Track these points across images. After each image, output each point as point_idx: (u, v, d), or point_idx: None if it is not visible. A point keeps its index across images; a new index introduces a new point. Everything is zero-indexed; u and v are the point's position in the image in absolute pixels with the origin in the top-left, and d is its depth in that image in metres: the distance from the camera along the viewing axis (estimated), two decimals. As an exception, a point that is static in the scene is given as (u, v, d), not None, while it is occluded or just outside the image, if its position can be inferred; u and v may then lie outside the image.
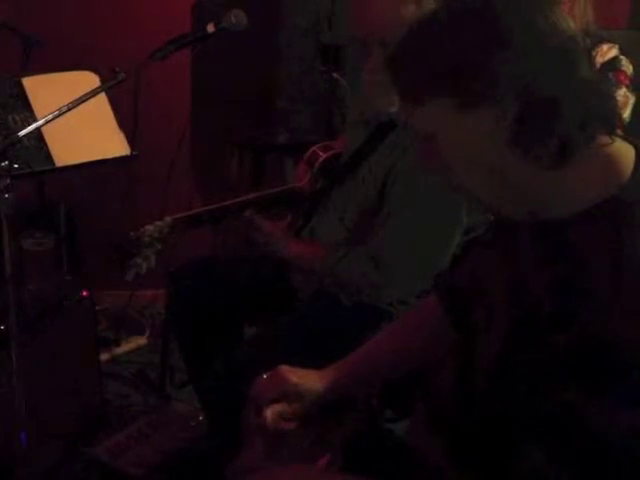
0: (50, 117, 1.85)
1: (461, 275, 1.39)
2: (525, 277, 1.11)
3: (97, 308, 2.71)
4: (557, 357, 0.98)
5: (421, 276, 1.87)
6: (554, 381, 0.98)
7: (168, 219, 2.06)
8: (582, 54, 1.03)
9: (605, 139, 1.05)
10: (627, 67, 2.52)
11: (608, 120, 1.05)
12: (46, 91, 2.48)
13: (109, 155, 2.59)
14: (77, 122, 2.19)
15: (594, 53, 2.47)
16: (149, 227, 2.02)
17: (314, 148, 2.31)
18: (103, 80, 2.40)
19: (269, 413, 1.42)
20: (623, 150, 1.07)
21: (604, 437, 0.95)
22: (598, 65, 2.44)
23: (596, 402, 0.95)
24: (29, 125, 1.84)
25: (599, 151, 1.05)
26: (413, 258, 1.90)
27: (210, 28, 2.05)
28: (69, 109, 1.86)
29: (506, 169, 1.06)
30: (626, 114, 2.44)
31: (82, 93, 1.92)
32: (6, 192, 1.78)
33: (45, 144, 2.44)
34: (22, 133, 1.80)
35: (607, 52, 2.52)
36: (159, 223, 2.05)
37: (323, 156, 2.26)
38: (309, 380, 1.45)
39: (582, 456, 0.97)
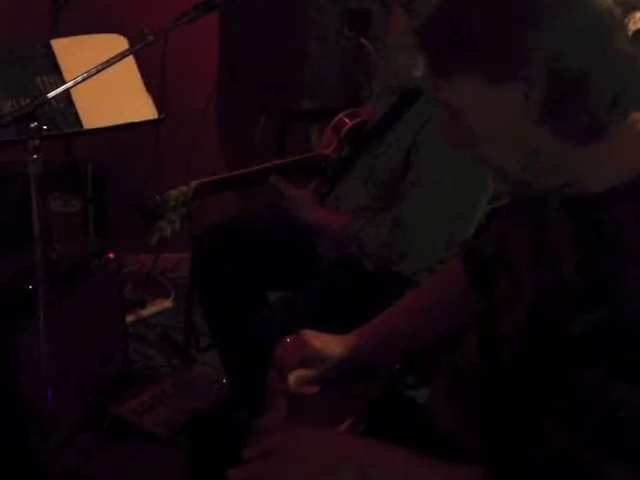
0: (79, 79, 1.86)
1: (486, 244, 1.38)
2: (554, 252, 1.10)
3: (123, 270, 2.73)
4: (583, 337, 0.98)
5: (446, 243, 1.87)
6: (579, 360, 0.98)
7: (194, 183, 2.07)
8: (617, 26, 1.01)
9: (638, 115, 1.04)
10: None
11: None
12: (75, 53, 2.48)
13: (136, 118, 2.59)
14: (105, 85, 2.20)
15: (626, 21, 2.44)
16: (174, 192, 2.04)
17: (341, 115, 2.30)
18: (131, 43, 2.40)
19: (292, 378, 1.43)
20: None
21: (629, 419, 0.94)
22: (630, 33, 2.41)
23: (621, 383, 0.94)
24: (58, 87, 1.85)
25: (633, 127, 1.04)
26: (438, 225, 1.90)
27: (239, -9, 2.04)
28: (97, 71, 1.87)
29: (536, 145, 1.04)
30: None
31: (110, 56, 1.93)
32: (35, 153, 1.79)
33: (74, 106, 2.45)
34: (51, 95, 1.81)
35: (639, 20, 2.48)
36: (184, 188, 2.06)
37: (350, 123, 2.26)
38: (332, 345, 1.46)
39: (605, 437, 0.96)
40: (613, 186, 1.03)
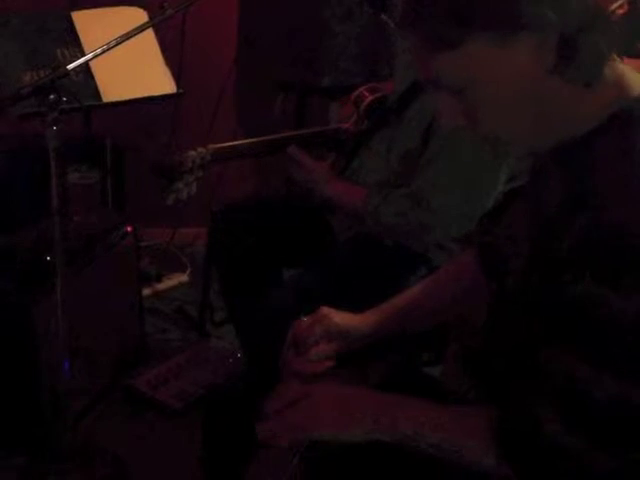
0: (98, 51, 1.86)
1: (499, 229, 1.38)
2: (545, 195, 1.13)
3: (140, 244, 2.74)
4: (570, 254, 1.00)
5: (462, 219, 1.87)
6: (570, 277, 1.00)
7: (211, 147, 2.06)
8: None
9: (614, 57, 1.06)
10: None
11: (618, 40, 1.06)
12: (95, 26, 2.49)
13: (155, 92, 2.60)
14: (125, 58, 2.20)
15: None
16: (192, 152, 2.03)
17: (361, 89, 2.28)
18: (151, 16, 2.40)
19: (313, 352, 1.45)
20: (632, 72, 1.09)
21: (617, 326, 0.96)
22: None
23: (607, 292, 0.96)
24: (77, 59, 1.85)
25: (613, 67, 1.06)
26: (456, 200, 1.89)
27: (259, -34, 2.03)
28: (117, 44, 1.87)
29: (547, 97, 1.05)
30: None
31: (130, 29, 1.92)
32: (54, 125, 1.79)
33: (93, 79, 2.46)
34: (70, 67, 1.81)
35: None
36: (202, 150, 2.05)
37: (370, 97, 2.24)
38: (352, 321, 1.47)
39: (597, 348, 0.98)
40: (596, 125, 1.06)
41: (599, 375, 0.97)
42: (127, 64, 2.41)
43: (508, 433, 1.06)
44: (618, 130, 1.04)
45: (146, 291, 3.06)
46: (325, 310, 1.48)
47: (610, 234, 0.96)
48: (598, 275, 0.97)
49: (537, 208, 1.16)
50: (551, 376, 1.02)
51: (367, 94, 2.25)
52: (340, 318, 1.47)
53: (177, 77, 2.64)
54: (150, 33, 2.53)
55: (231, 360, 2.60)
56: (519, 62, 1.02)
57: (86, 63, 1.90)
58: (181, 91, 2.65)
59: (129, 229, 2.54)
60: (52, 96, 1.77)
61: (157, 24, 2.08)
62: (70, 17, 2.52)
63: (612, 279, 0.96)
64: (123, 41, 1.88)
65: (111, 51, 1.88)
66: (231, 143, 2.15)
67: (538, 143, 1.11)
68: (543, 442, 1.02)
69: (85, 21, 2.52)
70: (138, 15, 2.53)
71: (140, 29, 1.94)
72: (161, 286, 3.23)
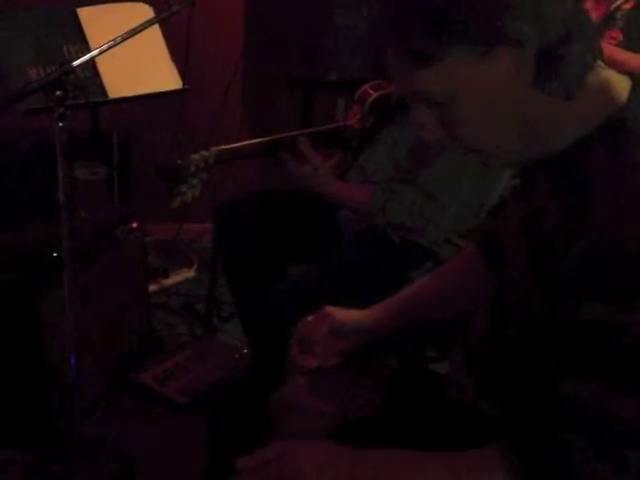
0: (104, 47, 1.86)
1: (498, 220, 1.38)
2: (538, 209, 1.11)
3: (146, 239, 2.75)
4: (574, 274, 0.99)
5: (469, 213, 1.87)
6: (576, 297, 0.98)
7: (214, 149, 2.07)
8: None
9: (599, 63, 1.06)
10: None
11: (599, 46, 1.06)
12: (100, 22, 2.50)
13: (161, 88, 2.61)
14: (131, 54, 2.21)
15: None
16: (195, 156, 2.04)
17: (366, 86, 2.29)
18: (157, 12, 2.40)
19: (320, 351, 1.45)
20: (616, 76, 1.07)
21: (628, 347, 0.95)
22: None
23: (617, 310, 0.95)
24: (83, 55, 1.86)
25: (598, 75, 1.05)
26: (462, 195, 1.90)
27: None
28: (123, 40, 1.87)
29: (531, 108, 1.04)
30: None
31: (136, 25, 1.93)
32: (60, 121, 1.80)
33: (99, 75, 2.47)
34: (76, 63, 1.81)
35: None
36: (205, 152, 2.06)
37: (374, 95, 2.24)
38: (356, 318, 1.47)
39: (610, 372, 0.97)
40: (584, 134, 1.04)
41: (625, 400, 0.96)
42: (133, 60, 2.41)
43: (535, 467, 1.02)
44: (609, 141, 1.02)
45: (153, 286, 3.06)
46: (328, 309, 1.48)
47: (614, 253, 0.95)
48: (607, 297, 0.95)
49: (531, 216, 1.14)
50: (579, 406, 0.99)
51: (372, 91, 2.25)
52: (343, 315, 1.47)
53: (183, 73, 2.65)
54: (156, 29, 2.53)
55: (237, 355, 2.60)
56: (499, 76, 1.01)
57: (92, 59, 1.91)
58: (187, 87, 2.65)
59: (135, 225, 2.55)
60: (59, 92, 1.78)
61: (163, 20, 2.09)
62: (76, 13, 2.53)
63: (622, 300, 0.95)
64: (129, 37, 1.89)
65: (117, 47, 1.88)
66: (234, 145, 2.15)
67: (524, 155, 1.10)
68: (574, 471, 0.99)
69: (91, 17, 2.53)
70: (144, 11, 2.54)
71: (146, 25, 1.94)
72: (168, 281, 3.24)
